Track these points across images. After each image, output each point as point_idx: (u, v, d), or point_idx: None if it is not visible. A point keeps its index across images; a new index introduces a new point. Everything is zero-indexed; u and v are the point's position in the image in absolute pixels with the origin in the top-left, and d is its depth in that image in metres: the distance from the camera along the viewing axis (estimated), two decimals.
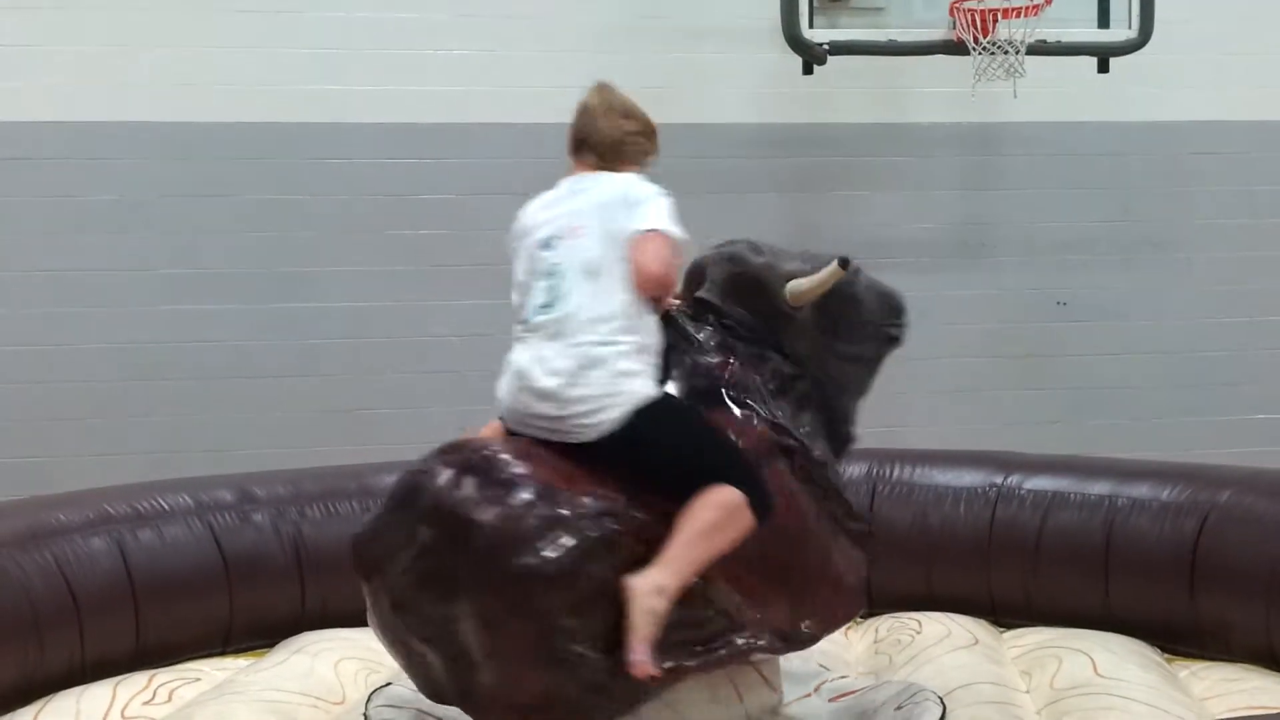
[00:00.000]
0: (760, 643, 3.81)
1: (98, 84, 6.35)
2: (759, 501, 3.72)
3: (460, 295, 6.51)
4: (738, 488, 3.69)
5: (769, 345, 4.17)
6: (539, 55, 6.58)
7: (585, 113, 4.14)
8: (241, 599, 5.06)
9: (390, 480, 5.27)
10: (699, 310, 4.23)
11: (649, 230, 3.82)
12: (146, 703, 4.43)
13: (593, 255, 3.83)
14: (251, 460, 5.70)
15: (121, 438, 6.31)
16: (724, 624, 3.75)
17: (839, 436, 4.27)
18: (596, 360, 3.73)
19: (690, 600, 3.62)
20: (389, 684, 4.33)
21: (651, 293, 3.87)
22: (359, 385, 6.47)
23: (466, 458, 3.63)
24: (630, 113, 4.13)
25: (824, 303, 4.12)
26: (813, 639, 4.04)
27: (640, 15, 6.62)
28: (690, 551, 3.59)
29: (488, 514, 3.48)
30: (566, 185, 4.07)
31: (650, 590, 3.51)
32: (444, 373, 6.32)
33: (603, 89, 4.18)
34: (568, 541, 3.48)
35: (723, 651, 3.73)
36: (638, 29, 6.62)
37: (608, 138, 4.08)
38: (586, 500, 3.57)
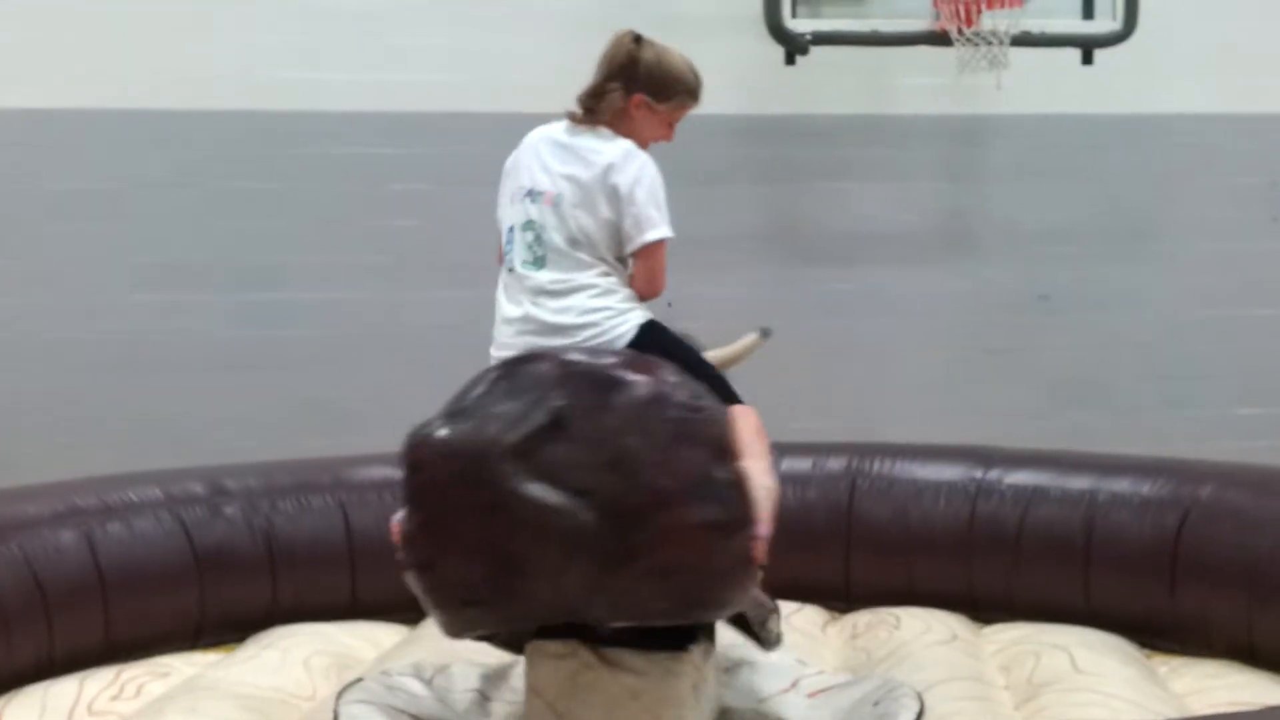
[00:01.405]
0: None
1: (66, 71, 6.28)
2: None
3: (433, 286, 6.47)
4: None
5: None
6: (513, 44, 6.53)
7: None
8: (212, 593, 4.99)
9: (364, 473, 5.33)
10: None
11: (649, 243, 3.94)
12: (114, 697, 4.36)
13: (575, 229, 3.92)
14: (222, 452, 5.64)
15: (89, 429, 6.24)
16: None
17: None
18: (593, 308, 3.88)
19: None
20: (360, 679, 4.29)
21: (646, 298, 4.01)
22: (331, 377, 6.43)
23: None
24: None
25: None
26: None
27: (618, 3, 6.56)
28: (758, 443, 3.63)
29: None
30: (557, 132, 4.08)
31: (763, 471, 3.53)
32: (417, 365, 6.27)
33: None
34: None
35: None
36: (615, 17, 6.48)
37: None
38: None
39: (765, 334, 4.01)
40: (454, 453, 3.42)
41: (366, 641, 4.97)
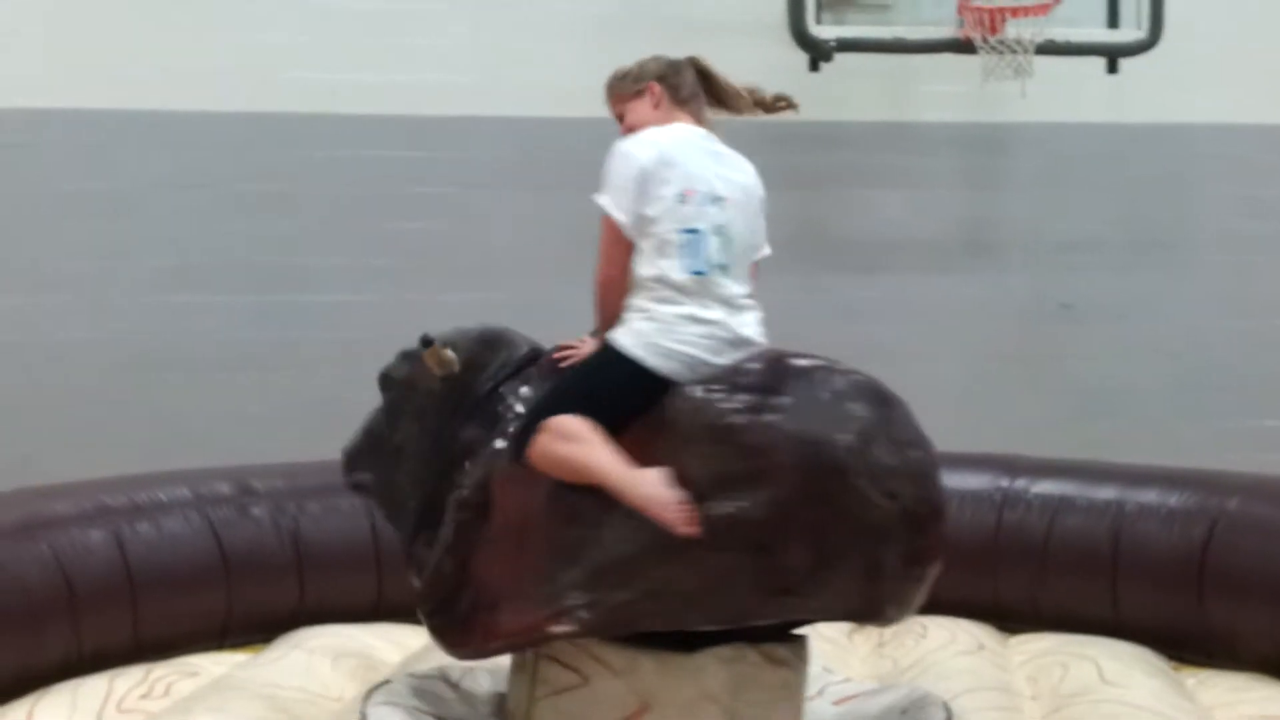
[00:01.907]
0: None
1: (82, 72, 6.29)
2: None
3: (453, 289, 6.48)
4: None
5: None
6: (534, 48, 6.53)
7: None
8: (239, 593, 5.01)
9: None
10: None
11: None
12: (143, 696, 4.39)
13: (749, 242, 3.88)
14: (244, 453, 5.64)
15: (112, 430, 6.23)
16: None
17: None
18: (760, 323, 3.84)
19: None
20: (387, 681, 4.29)
21: None
22: (355, 377, 6.40)
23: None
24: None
25: None
26: None
27: (640, 9, 6.57)
28: None
29: None
30: (702, 138, 3.98)
31: None
32: None
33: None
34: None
35: None
36: (637, 23, 6.56)
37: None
38: None
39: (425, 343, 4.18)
40: (804, 442, 3.56)
41: (392, 643, 4.99)
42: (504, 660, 4.16)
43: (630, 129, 3.99)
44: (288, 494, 5.25)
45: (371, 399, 6.04)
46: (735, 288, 3.79)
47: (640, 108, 4.04)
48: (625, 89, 4.09)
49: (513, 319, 6.22)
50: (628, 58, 6.33)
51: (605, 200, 3.80)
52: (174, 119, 6.39)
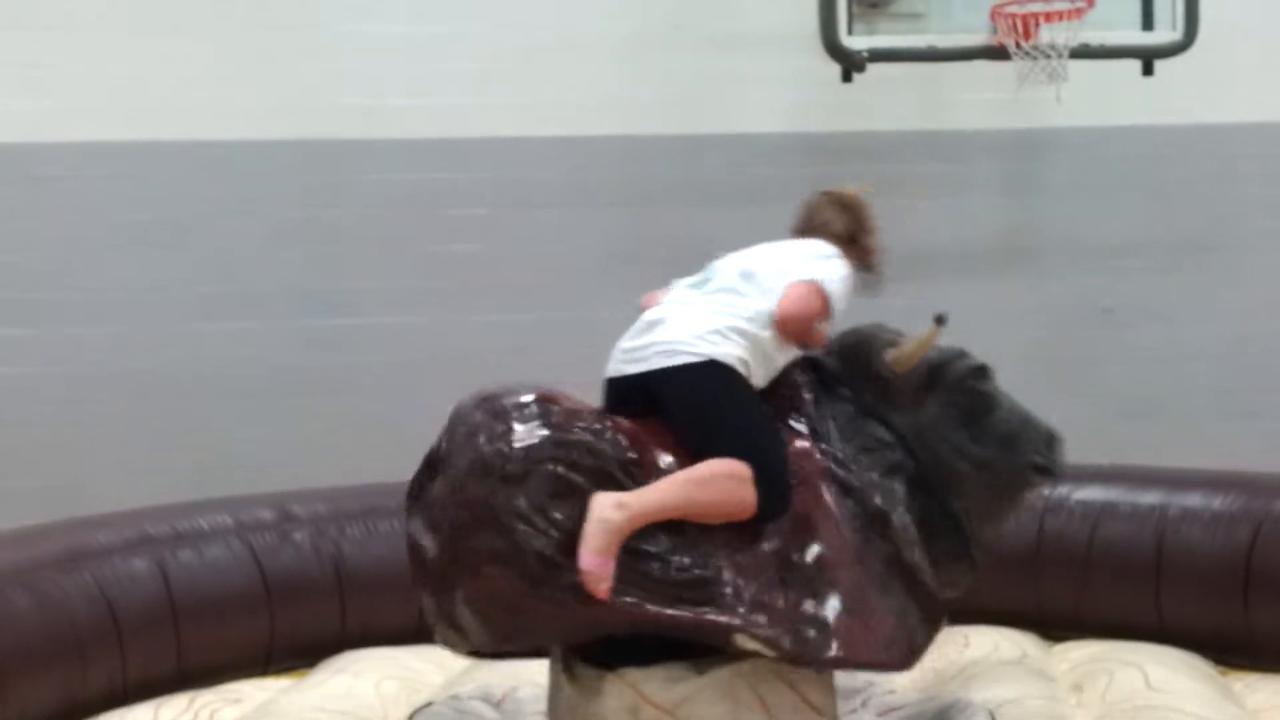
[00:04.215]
0: (759, 630, 3.71)
1: (130, 104, 6.36)
2: (769, 492, 3.76)
3: (495, 310, 6.50)
4: (753, 468, 3.74)
5: (863, 407, 4.12)
6: (571, 68, 6.54)
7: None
8: (282, 619, 5.04)
9: None
10: (807, 366, 4.22)
11: (808, 280, 4.02)
12: None
13: (750, 267, 4.07)
14: (289, 478, 5.67)
15: (158, 457, 6.29)
16: (706, 580, 3.68)
17: (953, 540, 4.10)
18: (702, 322, 3.92)
19: (667, 539, 3.66)
20: (430, 703, 4.31)
21: (786, 330, 4.01)
22: (395, 401, 6.45)
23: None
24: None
25: (952, 395, 4.13)
26: (824, 656, 3.85)
27: (673, 24, 6.58)
28: (671, 488, 3.68)
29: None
30: None
31: (610, 504, 3.57)
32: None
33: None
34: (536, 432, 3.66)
35: (694, 610, 3.65)
36: (673, 39, 6.58)
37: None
38: (587, 415, 3.77)
39: (940, 321, 4.02)
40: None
41: (435, 665, 4.99)
42: (544, 678, 4.18)
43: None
44: (329, 518, 5.28)
45: (415, 421, 6.06)
46: None
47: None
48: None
49: (556, 339, 6.29)
50: (664, 74, 6.42)
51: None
52: (221, 148, 6.45)
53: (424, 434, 6.40)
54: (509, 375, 6.00)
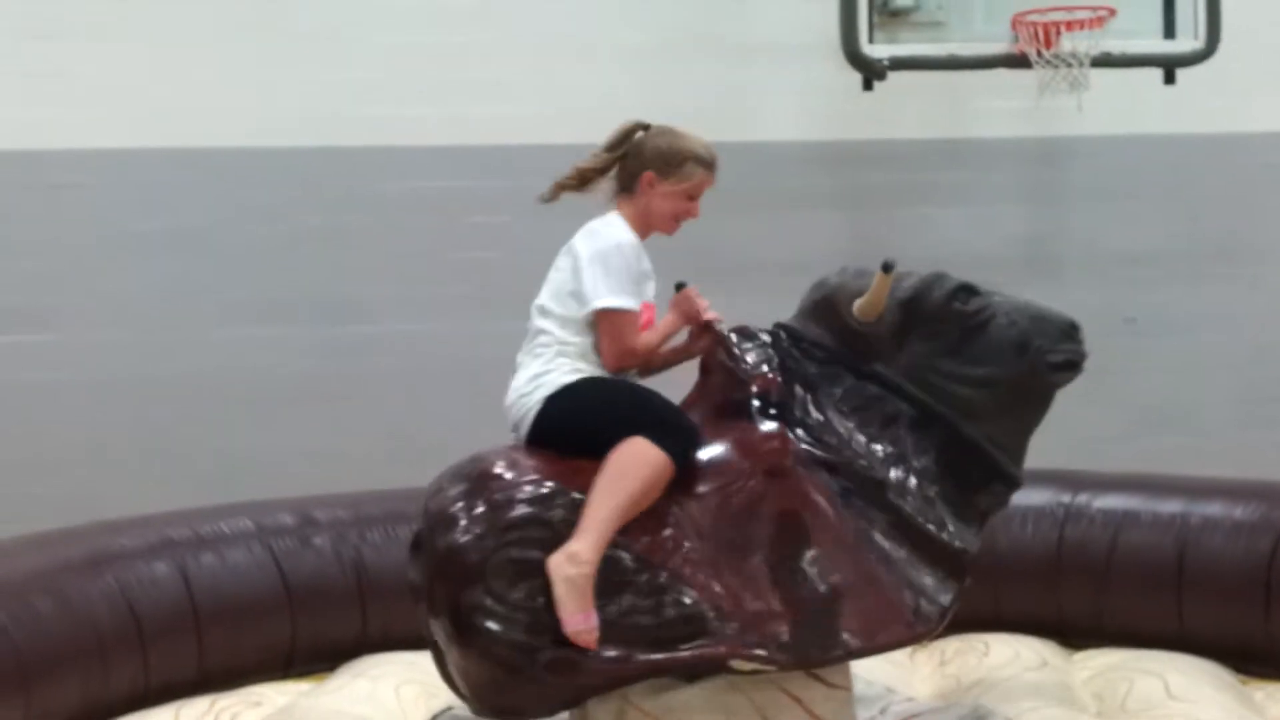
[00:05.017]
0: (754, 650, 3.70)
1: (150, 111, 6.38)
2: (667, 438, 3.77)
3: (515, 317, 6.49)
4: (645, 435, 3.75)
5: (845, 365, 4.09)
6: (589, 75, 6.54)
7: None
8: (303, 623, 5.06)
9: None
10: (776, 333, 4.18)
11: (595, 310, 4.07)
12: None
13: (540, 302, 4.29)
14: (309, 484, 5.69)
15: (180, 462, 6.31)
16: (690, 616, 3.68)
17: (980, 466, 4.06)
18: (525, 375, 4.16)
19: (644, 584, 3.67)
20: (449, 708, 4.32)
21: (626, 368, 4.10)
22: (415, 407, 6.46)
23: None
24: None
25: (933, 325, 4.05)
26: (837, 653, 3.83)
27: (694, 34, 6.59)
28: (601, 504, 3.68)
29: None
30: None
31: (563, 560, 3.60)
32: (500, 395, 6.31)
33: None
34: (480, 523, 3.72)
35: (684, 648, 3.66)
36: (690, 46, 6.59)
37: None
38: (522, 484, 3.78)
39: (887, 268, 3.95)
40: None
41: None
42: None
43: None
44: (350, 523, 5.30)
45: (435, 427, 6.08)
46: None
47: None
48: None
49: None
50: (685, 83, 6.41)
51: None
52: (242, 155, 6.47)
53: (444, 439, 6.41)
54: None
